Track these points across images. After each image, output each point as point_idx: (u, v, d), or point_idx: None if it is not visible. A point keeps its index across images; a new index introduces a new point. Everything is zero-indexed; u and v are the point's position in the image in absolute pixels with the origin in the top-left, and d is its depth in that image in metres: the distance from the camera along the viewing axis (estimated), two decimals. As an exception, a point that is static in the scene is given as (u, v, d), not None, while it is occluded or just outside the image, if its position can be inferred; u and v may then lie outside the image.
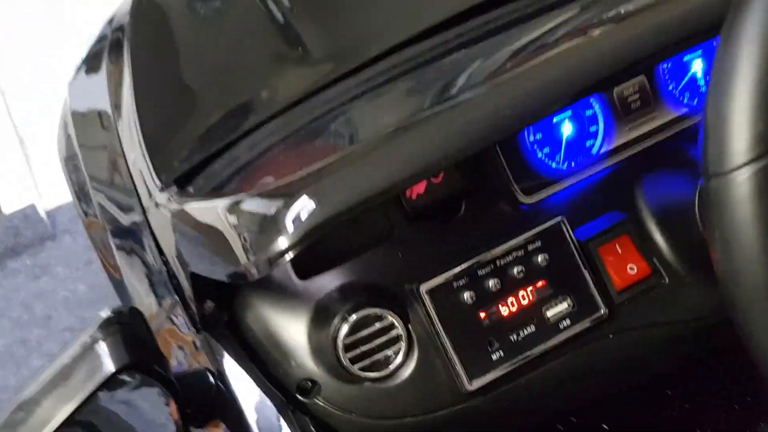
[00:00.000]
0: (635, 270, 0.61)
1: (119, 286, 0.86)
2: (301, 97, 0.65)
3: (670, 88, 0.68)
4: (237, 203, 0.49)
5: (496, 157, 0.63)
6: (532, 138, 0.65)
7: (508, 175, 0.64)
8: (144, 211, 0.68)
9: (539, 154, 0.65)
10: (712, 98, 0.38)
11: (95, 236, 0.98)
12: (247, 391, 0.58)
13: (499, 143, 0.63)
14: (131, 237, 0.73)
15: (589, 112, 0.66)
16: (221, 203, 0.50)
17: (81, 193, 0.96)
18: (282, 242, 0.45)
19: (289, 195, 0.47)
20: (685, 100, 0.68)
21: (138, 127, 0.70)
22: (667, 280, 0.62)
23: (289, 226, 0.46)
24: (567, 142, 0.66)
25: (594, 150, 0.66)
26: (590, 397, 0.63)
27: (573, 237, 0.60)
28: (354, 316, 0.55)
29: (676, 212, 0.61)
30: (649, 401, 0.84)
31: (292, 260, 0.58)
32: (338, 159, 0.52)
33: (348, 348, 0.56)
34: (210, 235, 0.52)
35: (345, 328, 0.55)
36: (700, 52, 0.69)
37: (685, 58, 0.68)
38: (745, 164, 0.36)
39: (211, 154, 0.62)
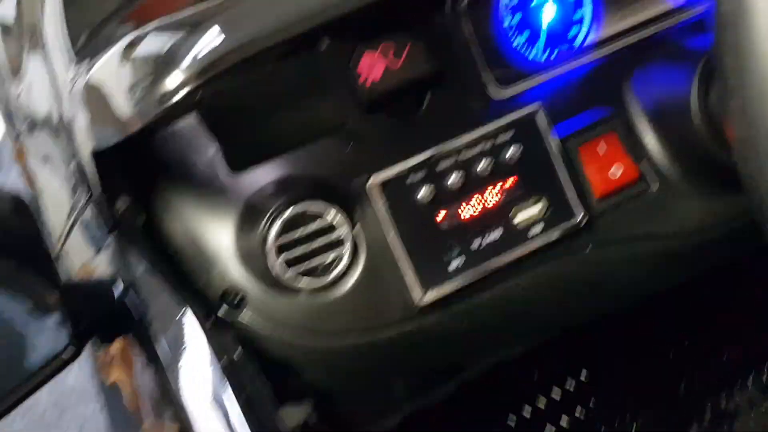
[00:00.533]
0: (620, 173, 0.53)
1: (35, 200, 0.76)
2: None
3: (668, -25, 0.59)
4: (128, 46, 0.40)
5: (466, 42, 0.54)
6: (508, 22, 0.55)
7: (480, 64, 0.54)
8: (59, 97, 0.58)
9: (516, 42, 0.56)
10: None
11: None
12: (161, 303, 0.49)
13: (473, 26, 0.53)
14: (45, 131, 0.63)
15: (572, -1, 0.56)
16: (112, 52, 0.40)
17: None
18: (171, 81, 0.36)
19: (180, 30, 0.38)
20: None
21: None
22: (656, 186, 0.53)
23: (180, 61, 0.36)
24: (548, 30, 0.56)
25: (578, 41, 0.57)
26: (561, 321, 0.55)
27: (550, 131, 0.51)
28: (288, 212, 0.46)
29: (671, 109, 0.53)
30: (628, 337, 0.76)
31: (224, 150, 0.49)
32: None
33: (280, 250, 0.47)
34: (104, 91, 0.42)
35: (277, 226, 0.46)
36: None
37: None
38: None
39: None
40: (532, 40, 0.56)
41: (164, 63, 0.38)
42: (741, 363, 0.84)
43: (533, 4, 0.56)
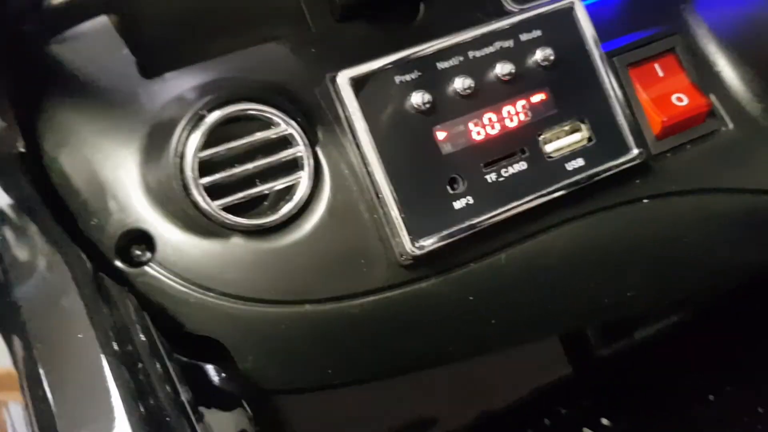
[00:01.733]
0: (684, 103, 0.38)
1: None
2: None
3: None
4: None
5: None
6: None
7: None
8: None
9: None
10: None
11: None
12: (38, 251, 0.33)
13: None
14: None
15: None
16: None
17: None
18: None
19: None
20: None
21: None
22: (731, 125, 0.39)
23: None
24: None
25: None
26: (602, 300, 0.39)
27: (594, 32, 0.37)
28: (214, 115, 0.31)
29: (749, 27, 0.39)
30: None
31: (136, 52, 0.35)
32: None
33: (203, 174, 0.31)
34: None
35: (197, 138, 0.31)
36: None
37: None
38: None
39: None
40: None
41: None
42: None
43: None
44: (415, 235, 0.33)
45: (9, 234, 0.34)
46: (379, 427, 0.49)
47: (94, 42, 0.36)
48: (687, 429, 0.69)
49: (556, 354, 0.71)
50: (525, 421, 0.65)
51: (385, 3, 0.38)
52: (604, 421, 0.73)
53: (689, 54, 0.40)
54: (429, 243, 0.33)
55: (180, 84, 0.35)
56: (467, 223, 0.34)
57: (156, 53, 0.35)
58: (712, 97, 0.40)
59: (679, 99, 0.39)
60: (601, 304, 0.38)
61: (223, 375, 0.34)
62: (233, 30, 0.37)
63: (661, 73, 0.39)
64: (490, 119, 0.35)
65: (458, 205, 0.34)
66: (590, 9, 0.41)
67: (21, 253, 0.33)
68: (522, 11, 0.38)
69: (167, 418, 0.28)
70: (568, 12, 0.37)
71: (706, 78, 0.40)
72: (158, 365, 0.30)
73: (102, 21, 0.36)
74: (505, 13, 0.40)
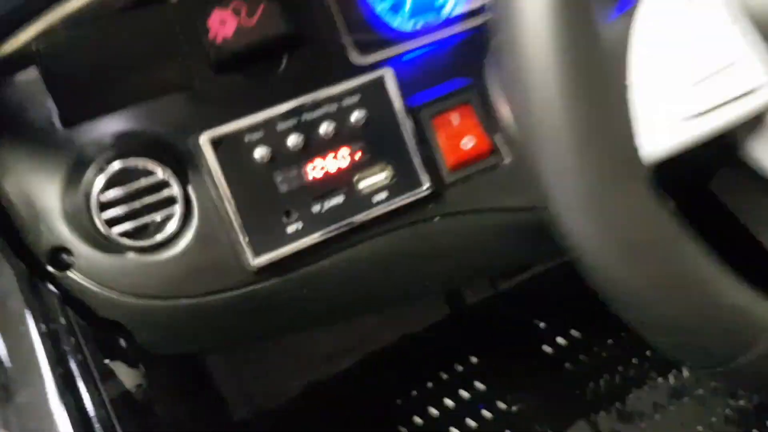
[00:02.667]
0: (472, 145, 0.52)
1: None
2: None
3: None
4: None
5: (327, 3, 0.53)
6: (370, -13, 0.54)
7: (341, 27, 0.53)
8: None
9: (380, 8, 0.55)
10: None
11: None
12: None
13: None
14: None
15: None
16: None
17: None
18: None
19: None
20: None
21: None
22: (508, 159, 0.53)
23: None
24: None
25: (445, 12, 0.57)
26: (407, 291, 0.54)
27: (401, 96, 0.50)
28: (113, 166, 0.44)
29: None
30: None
31: (57, 102, 0.47)
32: None
33: (105, 207, 0.45)
34: None
35: (101, 181, 0.44)
36: None
37: None
38: None
39: None
40: (397, 7, 0.55)
41: None
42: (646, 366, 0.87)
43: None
44: (257, 252, 0.47)
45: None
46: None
47: (28, 91, 0.48)
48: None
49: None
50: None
51: (252, 58, 0.51)
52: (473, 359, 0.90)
53: (481, 102, 0.53)
54: (266, 258, 0.47)
55: (89, 134, 0.47)
56: (297, 242, 0.48)
57: (70, 106, 0.48)
58: (497, 137, 0.54)
59: (470, 139, 0.53)
60: (406, 291, 0.53)
61: (127, 345, 0.49)
62: (133, 86, 0.49)
63: (456, 121, 0.52)
64: (315, 167, 0.48)
65: (290, 229, 0.48)
66: (406, 66, 0.54)
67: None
68: (347, 80, 0.50)
69: (77, 377, 0.42)
70: (381, 80, 0.50)
71: (492, 121, 0.53)
72: (73, 340, 0.44)
73: (34, 73, 0.48)
74: (351, 65, 0.53)
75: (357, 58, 0.53)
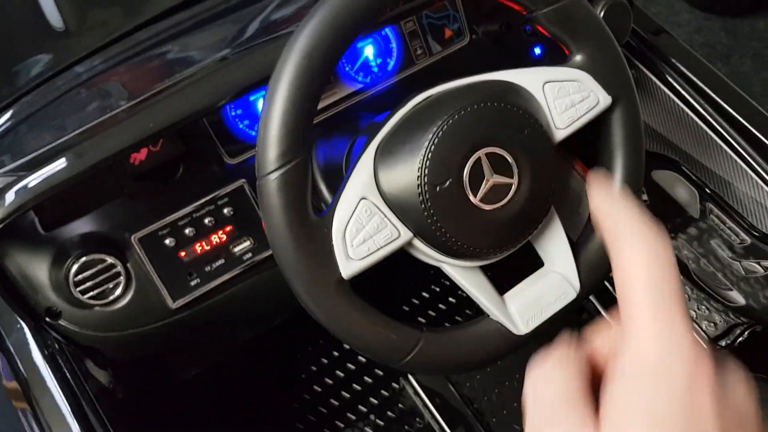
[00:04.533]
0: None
1: None
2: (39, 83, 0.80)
3: (347, 69, 0.88)
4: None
5: (205, 128, 0.82)
6: (233, 113, 0.84)
7: (216, 142, 0.83)
8: None
9: (240, 125, 0.85)
10: (261, 122, 0.58)
11: None
12: (5, 317, 0.77)
13: (208, 119, 0.81)
14: None
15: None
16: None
17: None
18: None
19: (6, 177, 0.65)
20: (360, 78, 0.89)
21: None
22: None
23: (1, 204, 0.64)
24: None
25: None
26: (270, 312, 0.87)
27: (254, 194, 0.81)
28: (82, 259, 0.75)
29: (332, 168, 0.83)
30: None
31: (38, 215, 0.77)
32: (53, 147, 0.70)
33: (78, 283, 0.75)
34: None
35: (75, 268, 0.75)
36: (370, 40, 0.89)
37: (359, 45, 0.88)
38: (274, 170, 0.57)
39: None
40: (252, 124, 0.85)
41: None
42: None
43: (251, 98, 0.84)
44: (173, 298, 0.79)
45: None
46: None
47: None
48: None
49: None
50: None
51: (159, 170, 0.81)
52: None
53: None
54: (180, 301, 0.79)
55: (62, 236, 0.77)
56: (197, 290, 0.80)
57: (49, 218, 0.77)
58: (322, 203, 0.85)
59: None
60: (273, 311, 0.86)
61: (98, 359, 0.81)
62: (87, 199, 0.78)
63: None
64: (204, 243, 0.80)
65: (193, 283, 0.79)
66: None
67: (7, 323, 0.77)
68: (233, 174, 0.81)
69: (70, 379, 0.74)
70: (242, 186, 0.81)
71: (317, 197, 0.85)
72: (65, 357, 0.76)
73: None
74: (225, 164, 0.83)
75: (229, 160, 0.84)
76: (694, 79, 0.90)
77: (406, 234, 0.60)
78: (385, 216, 0.60)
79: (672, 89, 0.92)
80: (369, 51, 0.89)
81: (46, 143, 0.72)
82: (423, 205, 0.58)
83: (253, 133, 0.85)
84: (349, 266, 0.58)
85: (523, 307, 0.65)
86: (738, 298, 1.00)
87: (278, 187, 0.57)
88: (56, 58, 0.88)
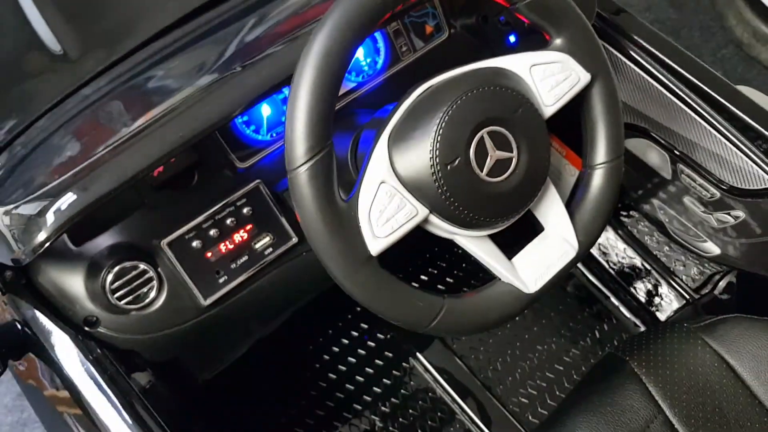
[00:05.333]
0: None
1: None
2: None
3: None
4: (6, 211, 0.71)
5: (216, 137, 0.88)
6: (240, 120, 0.90)
7: (226, 149, 0.89)
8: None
9: (247, 131, 0.91)
10: (288, 121, 0.64)
11: None
12: (47, 330, 0.82)
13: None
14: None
15: (280, 96, 0.92)
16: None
17: None
18: (39, 237, 0.69)
19: (42, 200, 0.70)
20: (353, 78, 0.96)
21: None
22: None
23: (43, 225, 0.69)
24: (267, 120, 0.92)
25: (288, 122, 0.93)
26: (298, 298, 0.93)
27: (269, 192, 0.87)
28: (116, 268, 0.80)
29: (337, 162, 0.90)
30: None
31: (67, 232, 0.82)
32: (89, 165, 0.75)
33: (114, 291, 0.81)
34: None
35: (110, 277, 0.80)
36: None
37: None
38: (304, 163, 0.63)
39: None
40: (258, 128, 0.91)
41: (32, 227, 0.70)
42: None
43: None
44: (204, 296, 0.85)
45: (35, 325, 0.82)
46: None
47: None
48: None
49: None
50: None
51: (177, 178, 0.86)
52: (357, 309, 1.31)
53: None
54: (210, 299, 0.85)
55: (93, 249, 0.83)
56: (226, 287, 0.86)
57: (78, 233, 0.83)
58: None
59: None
60: (297, 298, 0.93)
61: (138, 360, 0.86)
62: (114, 214, 0.84)
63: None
64: (228, 243, 0.86)
65: (221, 281, 0.85)
66: (274, 155, 0.91)
67: (45, 333, 0.82)
68: (244, 178, 0.87)
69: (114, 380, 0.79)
70: (257, 186, 0.87)
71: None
72: (108, 361, 0.81)
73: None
74: (237, 169, 0.90)
75: (240, 165, 0.90)
76: (656, 52, 0.99)
77: (423, 211, 0.67)
78: (404, 196, 0.66)
79: (637, 63, 1.00)
80: (359, 52, 0.96)
81: (73, 164, 0.77)
82: (437, 183, 0.65)
83: (260, 138, 0.91)
84: (376, 244, 0.65)
85: (531, 269, 0.73)
86: (713, 248, 1.09)
87: (309, 178, 0.63)
88: (61, 82, 0.93)
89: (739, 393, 0.90)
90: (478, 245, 0.72)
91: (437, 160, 0.65)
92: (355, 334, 1.32)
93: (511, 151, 0.68)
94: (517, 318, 1.27)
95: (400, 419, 1.23)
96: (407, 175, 0.67)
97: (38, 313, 0.81)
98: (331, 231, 0.64)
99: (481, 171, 0.67)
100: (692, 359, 0.93)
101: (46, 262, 0.82)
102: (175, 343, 0.86)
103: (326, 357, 1.29)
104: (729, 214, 1.01)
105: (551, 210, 0.75)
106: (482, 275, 1.36)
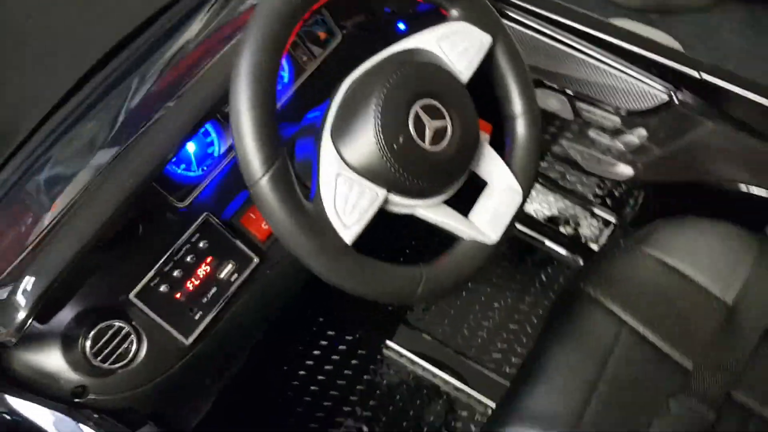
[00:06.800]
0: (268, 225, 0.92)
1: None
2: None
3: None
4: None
5: (150, 185, 0.89)
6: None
7: (163, 193, 0.90)
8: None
9: (179, 171, 0.92)
10: (237, 140, 0.66)
11: None
12: (36, 413, 0.80)
13: None
14: None
15: (201, 130, 0.93)
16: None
17: None
18: (20, 316, 0.68)
19: (11, 282, 0.70)
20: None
21: None
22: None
23: (20, 305, 0.68)
24: (195, 155, 0.93)
25: (216, 153, 0.95)
26: (269, 318, 0.95)
27: (219, 221, 0.89)
28: (92, 332, 0.80)
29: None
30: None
31: (33, 317, 0.80)
32: (38, 242, 0.75)
33: (96, 355, 0.80)
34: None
35: (89, 343, 0.80)
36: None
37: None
38: (262, 176, 0.66)
39: None
40: (188, 166, 0.93)
41: (8, 309, 0.69)
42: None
43: (181, 145, 0.92)
44: (185, 336, 0.85)
45: (23, 409, 0.80)
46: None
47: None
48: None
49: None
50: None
51: (124, 232, 0.87)
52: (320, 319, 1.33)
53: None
54: (191, 337, 0.86)
55: (63, 321, 0.82)
56: (203, 321, 0.87)
57: (40, 312, 0.81)
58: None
59: (265, 224, 0.93)
60: (270, 313, 0.95)
61: (135, 415, 0.86)
62: (70, 284, 0.83)
63: (254, 216, 0.92)
64: (193, 279, 0.87)
65: (196, 317, 0.86)
66: (211, 187, 0.92)
67: (41, 416, 0.80)
68: (188, 216, 0.88)
69: None
70: (206, 219, 0.88)
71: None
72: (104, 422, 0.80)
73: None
74: (177, 209, 0.90)
75: (180, 205, 0.91)
76: (532, 8, 1.08)
77: (382, 192, 0.72)
78: (362, 183, 0.71)
79: (519, 22, 1.09)
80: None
81: (22, 245, 0.77)
82: (388, 164, 0.70)
83: (192, 174, 0.93)
84: (348, 233, 0.69)
85: (488, 221, 0.79)
86: (626, 170, 1.20)
87: (272, 187, 0.66)
88: None
89: (686, 286, 0.99)
90: (437, 213, 0.77)
91: (383, 143, 0.70)
92: (324, 343, 1.34)
93: (445, 119, 0.73)
94: (469, 284, 1.34)
95: (390, 408, 1.27)
96: (359, 163, 0.71)
97: (22, 401, 0.79)
98: (305, 231, 0.67)
99: (424, 142, 0.72)
100: (638, 270, 1.02)
101: (16, 349, 0.80)
102: (169, 389, 0.86)
103: (302, 372, 1.31)
104: (632, 134, 1.11)
105: (491, 164, 0.81)
106: (447, 242, 1.42)
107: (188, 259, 0.86)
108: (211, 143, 0.94)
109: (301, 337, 1.33)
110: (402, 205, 0.75)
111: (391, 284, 0.72)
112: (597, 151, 1.21)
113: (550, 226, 1.47)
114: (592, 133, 1.17)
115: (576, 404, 0.91)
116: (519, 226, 1.46)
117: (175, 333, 0.85)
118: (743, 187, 1.08)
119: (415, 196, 0.74)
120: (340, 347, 1.34)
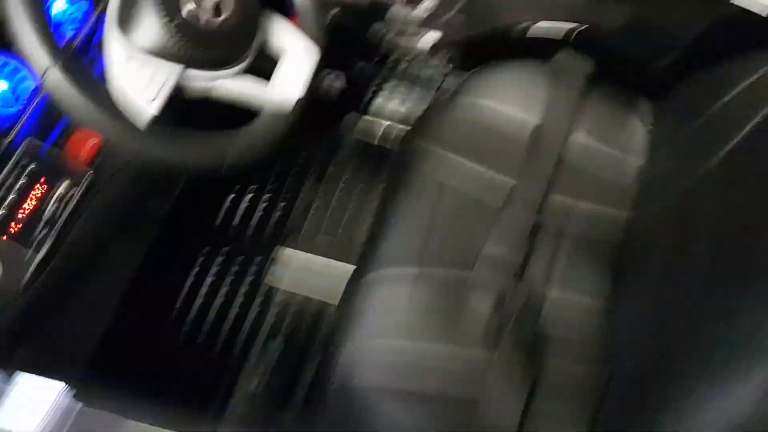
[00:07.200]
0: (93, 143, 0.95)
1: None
2: None
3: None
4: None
5: None
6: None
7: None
8: None
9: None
10: (20, 40, 0.69)
11: None
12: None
13: None
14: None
15: (9, 68, 0.94)
16: None
17: None
18: None
19: None
20: (69, 28, 1.00)
21: None
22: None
23: None
24: (12, 92, 0.94)
25: (32, 86, 0.96)
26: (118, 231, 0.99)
27: (40, 142, 0.90)
28: None
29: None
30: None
31: None
32: None
33: None
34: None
35: None
36: None
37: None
38: (54, 64, 0.70)
39: None
40: (5, 103, 0.94)
41: None
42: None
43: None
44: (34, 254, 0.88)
45: None
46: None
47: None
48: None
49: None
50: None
51: None
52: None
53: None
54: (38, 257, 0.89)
55: None
56: (48, 242, 0.90)
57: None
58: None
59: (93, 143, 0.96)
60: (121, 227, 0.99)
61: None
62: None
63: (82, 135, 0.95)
64: (23, 209, 0.89)
65: (40, 236, 0.89)
66: (34, 121, 0.94)
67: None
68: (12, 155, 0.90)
69: None
70: (32, 142, 0.91)
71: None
72: None
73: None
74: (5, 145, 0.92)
75: (6, 140, 0.92)
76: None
77: (177, 67, 0.77)
78: (156, 62, 0.76)
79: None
80: (62, 4, 1.01)
81: None
82: (176, 38, 0.75)
83: (11, 110, 0.94)
84: (152, 106, 0.74)
85: (291, 81, 0.86)
86: (433, 35, 1.30)
87: (66, 71, 0.70)
88: None
89: (495, 117, 1.11)
90: (236, 84, 0.83)
91: (167, 19, 0.75)
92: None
93: None
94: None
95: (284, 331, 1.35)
96: (149, 44, 0.76)
97: None
98: (109, 109, 0.72)
99: (206, 15, 0.77)
100: (455, 114, 1.13)
101: None
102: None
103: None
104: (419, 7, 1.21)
105: (284, 33, 0.88)
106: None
107: (20, 184, 0.88)
108: (24, 78, 0.95)
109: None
110: (200, 78, 0.80)
111: (203, 149, 0.78)
112: (403, 25, 1.30)
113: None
114: (392, 12, 1.27)
115: (421, 239, 1.01)
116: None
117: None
118: (533, 29, 1.21)
119: (210, 67, 0.80)
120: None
